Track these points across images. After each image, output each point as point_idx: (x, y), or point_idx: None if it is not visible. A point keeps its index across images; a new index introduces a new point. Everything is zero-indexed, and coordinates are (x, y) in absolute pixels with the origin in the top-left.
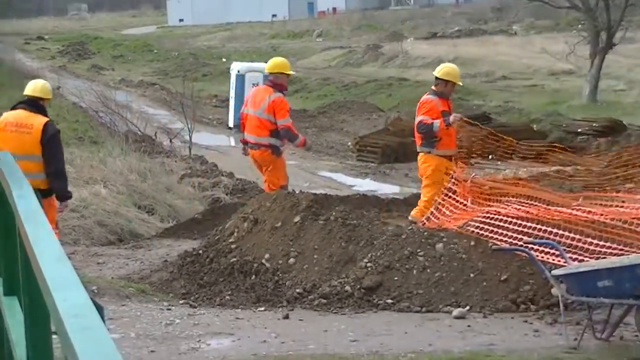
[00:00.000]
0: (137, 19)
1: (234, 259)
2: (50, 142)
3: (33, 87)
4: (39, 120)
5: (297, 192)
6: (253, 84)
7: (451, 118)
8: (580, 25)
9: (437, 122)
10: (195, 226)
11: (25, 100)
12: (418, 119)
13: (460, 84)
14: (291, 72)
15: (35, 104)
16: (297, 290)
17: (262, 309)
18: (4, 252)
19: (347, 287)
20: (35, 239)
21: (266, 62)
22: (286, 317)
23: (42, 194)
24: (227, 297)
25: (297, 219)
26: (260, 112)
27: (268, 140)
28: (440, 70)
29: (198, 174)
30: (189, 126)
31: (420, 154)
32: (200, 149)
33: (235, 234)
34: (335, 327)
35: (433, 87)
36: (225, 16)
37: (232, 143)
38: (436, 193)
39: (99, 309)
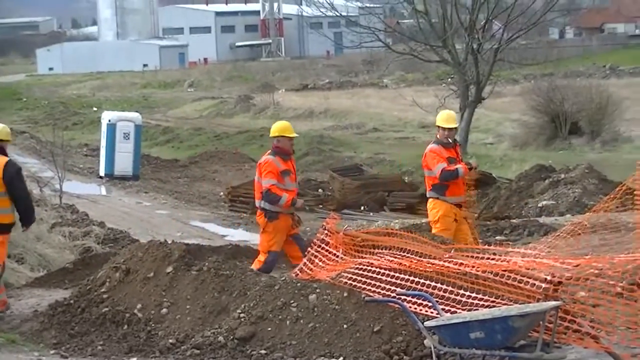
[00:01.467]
0: (5, 67)
1: (106, 309)
2: (14, 179)
3: None
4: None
5: (169, 242)
6: (124, 133)
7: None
8: (450, 79)
9: (461, 167)
10: (67, 276)
11: None
12: (438, 168)
13: (454, 125)
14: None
15: None
16: (170, 341)
17: (135, 359)
18: None
19: (220, 338)
20: None
21: (137, 112)
22: None
23: (3, 229)
24: (99, 347)
25: (169, 269)
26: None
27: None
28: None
29: (69, 223)
30: (59, 175)
31: (430, 200)
32: (71, 198)
33: (107, 284)
34: None
35: (437, 136)
36: (95, 65)
37: (104, 192)
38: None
39: None
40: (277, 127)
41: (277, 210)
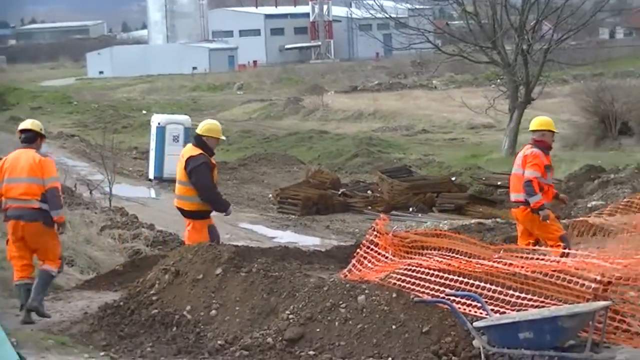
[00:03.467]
0: (56, 71)
1: (155, 311)
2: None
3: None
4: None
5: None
6: (174, 136)
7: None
8: (499, 80)
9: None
10: (116, 278)
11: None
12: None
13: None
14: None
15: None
16: (219, 342)
17: None
18: None
19: (269, 339)
20: None
21: (186, 114)
22: None
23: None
24: (148, 348)
25: (218, 271)
26: None
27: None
28: (534, 123)
29: (118, 225)
30: (109, 178)
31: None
32: (121, 201)
33: (157, 286)
34: None
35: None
36: (145, 68)
37: (153, 195)
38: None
39: None
40: (541, 122)
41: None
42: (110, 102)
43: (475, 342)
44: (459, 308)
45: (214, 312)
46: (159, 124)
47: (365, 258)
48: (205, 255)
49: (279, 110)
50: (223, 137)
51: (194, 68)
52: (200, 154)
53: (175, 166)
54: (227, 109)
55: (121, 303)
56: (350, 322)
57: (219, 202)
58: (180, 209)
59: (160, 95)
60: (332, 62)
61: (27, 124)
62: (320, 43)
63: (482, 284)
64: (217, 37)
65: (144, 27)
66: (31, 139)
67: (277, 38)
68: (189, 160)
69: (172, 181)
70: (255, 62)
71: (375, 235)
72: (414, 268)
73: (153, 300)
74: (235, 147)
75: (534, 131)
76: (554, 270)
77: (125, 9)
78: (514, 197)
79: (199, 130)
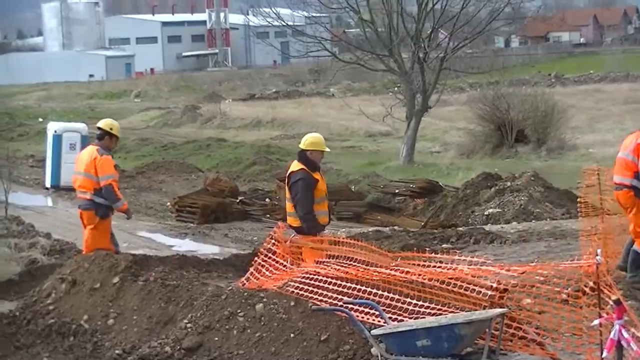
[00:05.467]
0: None
1: (52, 320)
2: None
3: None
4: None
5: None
6: (70, 144)
7: None
8: (396, 88)
9: None
10: (12, 287)
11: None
12: None
13: None
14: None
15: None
16: (117, 351)
17: None
18: None
19: (167, 348)
20: None
21: (83, 122)
22: None
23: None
24: (45, 359)
25: (116, 279)
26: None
27: None
28: None
29: (14, 234)
30: (5, 186)
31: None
32: (17, 210)
33: (53, 295)
34: None
35: None
36: (41, 76)
37: (50, 203)
38: None
39: None
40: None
41: None
42: (6, 110)
43: (373, 350)
44: (357, 316)
45: (111, 321)
46: (55, 131)
47: (263, 266)
48: (103, 264)
49: (176, 118)
50: (327, 149)
51: (91, 75)
52: (301, 169)
53: (71, 174)
54: (125, 117)
55: (17, 313)
56: (248, 330)
57: (310, 221)
58: (290, 226)
59: (56, 102)
60: (229, 70)
61: (100, 122)
62: (217, 51)
63: (380, 292)
64: (114, 44)
65: (40, 34)
66: (100, 136)
67: (174, 45)
68: (289, 175)
69: (69, 189)
70: (152, 69)
71: (273, 244)
72: (311, 276)
73: (50, 310)
74: (133, 155)
75: None
76: (451, 278)
77: (20, 15)
78: (618, 179)
79: (301, 145)
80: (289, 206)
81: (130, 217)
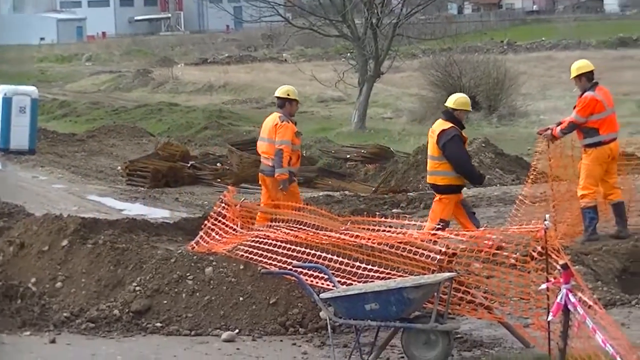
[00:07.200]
0: None
1: None
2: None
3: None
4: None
5: (65, 215)
6: (20, 107)
7: None
8: (349, 54)
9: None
10: None
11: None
12: None
13: None
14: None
15: None
16: (65, 314)
17: (28, 333)
18: None
19: (116, 311)
20: None
21: (34, 85)
22: (53, 341)
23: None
24: None
25: (64, 242)
26: None
27: None
28: None
29: None
30: None
31: None
32: None
33: (1, 258)
34: (104, 351)
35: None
36: None
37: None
38: None
39: None
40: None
41: None
42: None
43: (322, 314)
44: (306, 280)
45: (59, 284)
46: (5, 94)
47: (213, 230)
48: (51, 227)
49: (128, 82)
50: (471, 110)
51: (42, 39)
52: (452, 127)
53: (22, 138)
54: (76, 81)
55: None
56: (197, 294)
57: (474, 174)
58: (432, 185)
59: (7, 65)
60: (182, 34)
61: (277, 91)
62: (170, 15)
63: (329, 256)
64: (65, 7)
65: None
66: (280, 104)
67: (126, 9)
68: (441, 134)
69: (18, 153)
70: (104, 33)
71: (223, 207)
72: (261, 240)
73: None
74: (83, 118)
75: None
76: (400, 242)
77: None
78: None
79: (448, 104)
80: (435, 164)
81: (285, 189)
